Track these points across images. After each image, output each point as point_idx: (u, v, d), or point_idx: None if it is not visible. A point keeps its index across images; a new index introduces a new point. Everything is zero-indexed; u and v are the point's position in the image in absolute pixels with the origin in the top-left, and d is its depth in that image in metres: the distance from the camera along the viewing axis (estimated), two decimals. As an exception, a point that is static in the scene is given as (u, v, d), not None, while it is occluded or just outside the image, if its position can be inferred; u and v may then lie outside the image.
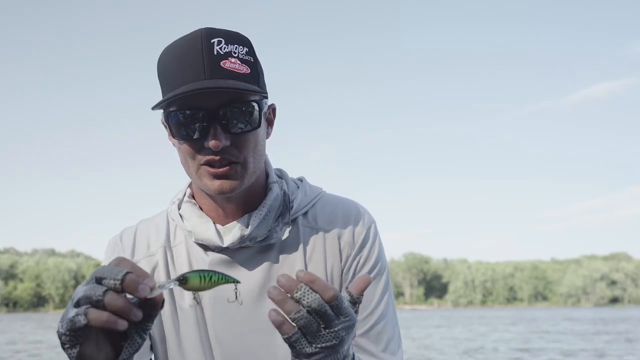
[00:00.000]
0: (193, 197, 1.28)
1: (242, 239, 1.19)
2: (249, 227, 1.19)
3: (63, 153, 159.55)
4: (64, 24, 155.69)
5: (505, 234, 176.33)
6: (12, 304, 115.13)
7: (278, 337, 1.20)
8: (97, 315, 0.81)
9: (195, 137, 1.11)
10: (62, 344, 0.85)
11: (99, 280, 0.83)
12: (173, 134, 1.13)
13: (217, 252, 1.22)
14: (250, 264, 1.22)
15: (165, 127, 1.20)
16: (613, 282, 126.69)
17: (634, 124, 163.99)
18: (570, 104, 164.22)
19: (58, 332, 0.84)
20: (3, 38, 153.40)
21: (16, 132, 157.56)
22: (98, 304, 0.81)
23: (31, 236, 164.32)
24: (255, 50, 1.16)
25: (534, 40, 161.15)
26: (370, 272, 1.25)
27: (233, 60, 1.10)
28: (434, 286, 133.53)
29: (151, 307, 0.86)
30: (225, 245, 1.19)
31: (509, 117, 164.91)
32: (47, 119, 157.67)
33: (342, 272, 1.24)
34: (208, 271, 0.90)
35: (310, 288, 0.90)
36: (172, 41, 1.15)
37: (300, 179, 1.34)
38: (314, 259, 1.24)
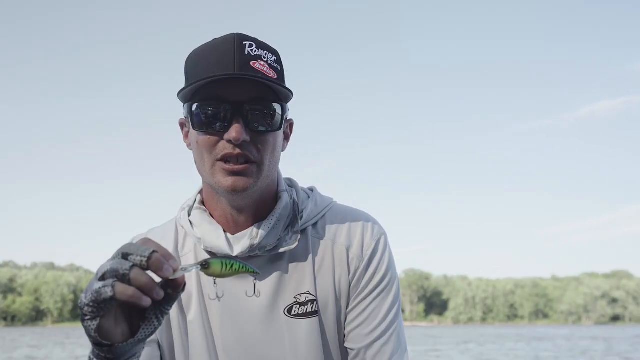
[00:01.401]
0: (203, 203, 1.28)
1: (252, 248, 1.19)
2: (259, 236, 1.19)
3: (63, 165, 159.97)
4: (63, 31, 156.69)
5: (505, 250, 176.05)
6: (10, 318, 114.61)
7: (287, 348, 1.21)
8: (124, 289, 0.83)
9: (216, 129, 1.12)
10: (83, 315, 0.86)
11: (125, 256, 0.86)
12: (194, 125, 1.14)
13: None
14: (260, 274, 1.22)
15: (184, 125, 1.23)
16: (614, 300, 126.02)
17: (636, 141, 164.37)
18: (573, 121, 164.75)
19: (81, 302, 0.85)
20: (2, 45, 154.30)
21: (15, 143, 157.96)
22: (124, 278, 0.84)
23: (30, 250, 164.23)
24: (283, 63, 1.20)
25: (537, 57, 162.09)
26: (378, 285, 1.24)
27: (262, 63, 1.13)
28: (434, 303, 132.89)
29: (172, 289, 0.88)
30: (234, 254, 1.19)
31: (510, 132, 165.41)
32: (47, 130, 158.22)
33: (349, 284, 1.24)
34: (230, 258, 0.92)
35: None
36: (202, 43, 1.18)
37: (311, 189, 1.34)
38: (323, 271, 1.24)
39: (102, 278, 0.86)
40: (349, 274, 1.24)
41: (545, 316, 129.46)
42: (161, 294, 0.86)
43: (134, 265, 0.85)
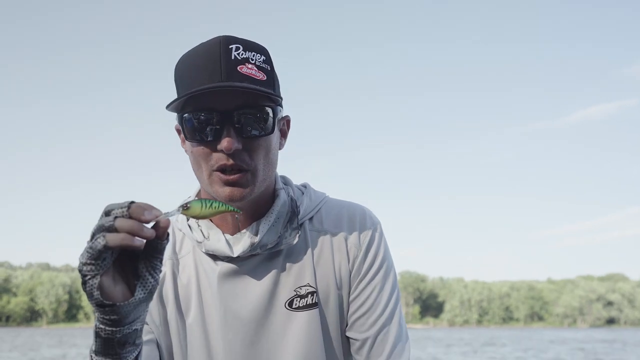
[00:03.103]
0: None
1: (253, 246, 1.19)
2: (259, 234, 1.20)
3: (59, 166, 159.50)
4: (56, 31, 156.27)
5: (501, 253, 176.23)
6: (5, 318, 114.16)
7: (289, 341, 1.21)
8: (114, 236, 0.86)
9: (208, 139, 1.12)
10: (83, 277, 0.88)
11: (107, 214, 0.89)
12: (187, 136, 1.14)
13: (227, 261, 1.22)
14: (259, 272, 1.22)
15: (179, 132, 1.22)
16: (609, 303, 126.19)
17: (631, 145, 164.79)
18: (568, 124, 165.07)
19: (79, 265, 0.87)
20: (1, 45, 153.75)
21: (11, 144, 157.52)
22: (111, 229, 0.87)
23: (26, 250, 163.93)
24: (273, 61, 1.18)
25: (532, 61, 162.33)
26: (377, 271, 1.26)
27: (250, 66, 1.11)
28: (429, 305, 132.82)
29: (157, 237, 0.91)
30: (235, 255, 1.20)
31: (506, 135, 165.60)
32: (42, 130, 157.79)
33: (350, 273, 1.25)
34: (209, 200, 0.96)
35: None
36: (191, 48, 1.16)
37: (305, 185, 1.35)
38: (322, 262, 1.25)
39: (92, 238, 0.88)
40: (348, 263, 1.25)
41: (541, 319, 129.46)
42: (150, 231, 0.88)
43: (116, 217, 0.88)
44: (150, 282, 0.92)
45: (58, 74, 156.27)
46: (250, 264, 1.22)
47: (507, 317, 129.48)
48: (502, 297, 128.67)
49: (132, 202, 0.89)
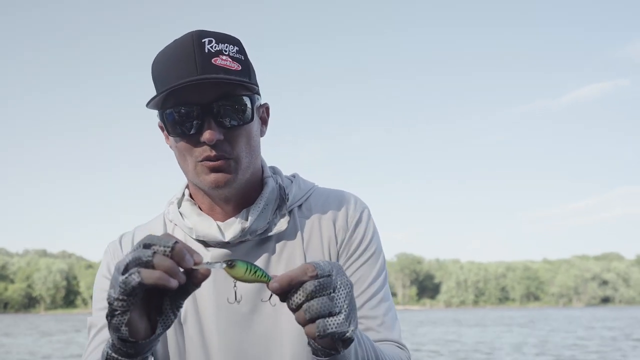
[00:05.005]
0: (191, 197, 1.31)
1: (243, 232, 1.21)
2: (249, 220, 1.22)
3: (55, 154, 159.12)
4: (59, 24, 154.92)
5: (497, 234, 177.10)
6: (2, 305, 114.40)
7: (282, 325, 1.22)
8: (149, 274, 0.83)
9: (190, 132, 1.14)
10: (113, 311, 0.85)
11: (146, 247, 0.86)
12: (169, 132, 1.17)
13: (218, 247, 1.24)
14: (250, 257, 1.24)
15: (162, 129, 1.24)
16: (604, 282, 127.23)
17: (626, 124, 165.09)
18: (562, 105, 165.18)
19: (110, 298, 0.85)
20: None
21: (8, 133, 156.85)
22: (148, 265, 0.84)
23: (22, 237, 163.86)
24: (246, 51, 1.20)
25: (526, 40, 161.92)
26: (363, 252, 1.28)
27: (224, 57, 1.13)
28: (426, 286, 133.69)
29: (193, 281, 0.88)
30: (227, 239, 1.21)
31: (501, 117, 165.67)
32: (39, 120, 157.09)
33: (337, 254, 1.27)
34: (256, 265, 0.91)
35: (294, 286, 0.89)
36: (164, 46, 1.18)
37: (294, 175, 1.37)
38: (312, 247, 1.27)
39: (126, 269, 0.85)
40: (336, 245, 1.28)
41: (537, 298, 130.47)
42: (183, 277, 0.86)
43: (156, 252, 0.85)
44: (171, 319, 0.91)
45: (55, 66, 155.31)
46: (241, 249, 1.23)
47: (503, 298, 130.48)
48: (498, 277, 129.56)
49: (177, 242, 0.86)
